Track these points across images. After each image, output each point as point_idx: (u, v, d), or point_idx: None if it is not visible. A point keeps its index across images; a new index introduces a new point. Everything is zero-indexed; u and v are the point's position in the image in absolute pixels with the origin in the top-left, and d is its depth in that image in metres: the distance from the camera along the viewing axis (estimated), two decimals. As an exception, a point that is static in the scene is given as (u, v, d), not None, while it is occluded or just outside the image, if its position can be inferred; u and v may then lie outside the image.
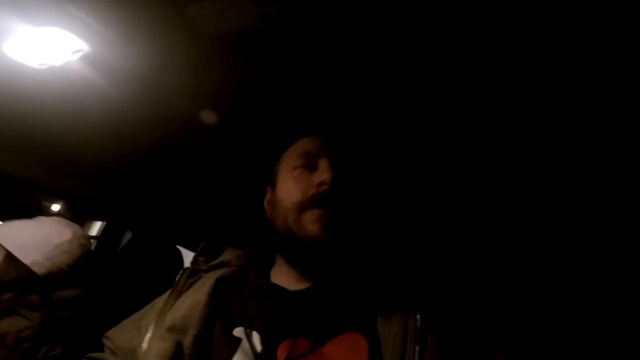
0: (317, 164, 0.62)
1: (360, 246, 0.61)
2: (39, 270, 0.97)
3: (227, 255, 0.71)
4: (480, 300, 0.52)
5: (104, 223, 1.96)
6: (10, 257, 0.95)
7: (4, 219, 1.91)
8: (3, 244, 0.95)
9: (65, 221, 1.10)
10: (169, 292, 0.65)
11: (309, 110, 0.81)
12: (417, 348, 0.46)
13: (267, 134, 0.94)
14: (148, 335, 0.58)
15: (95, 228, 2.00)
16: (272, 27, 0.63)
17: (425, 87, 0.72)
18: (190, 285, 0.65)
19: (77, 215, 1.87)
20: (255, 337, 0.53)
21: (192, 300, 0.60)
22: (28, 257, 0.97)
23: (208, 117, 0.94)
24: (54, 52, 0.70)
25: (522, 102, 0.73)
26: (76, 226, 1.11)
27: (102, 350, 0.68)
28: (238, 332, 0.55)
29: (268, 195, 0.71)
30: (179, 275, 0.67)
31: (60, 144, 1.14)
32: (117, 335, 0.67)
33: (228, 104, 0.89)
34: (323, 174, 0.58)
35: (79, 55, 0.71)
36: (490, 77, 0.68)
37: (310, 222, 0.56)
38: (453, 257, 0.62)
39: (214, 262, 0.69)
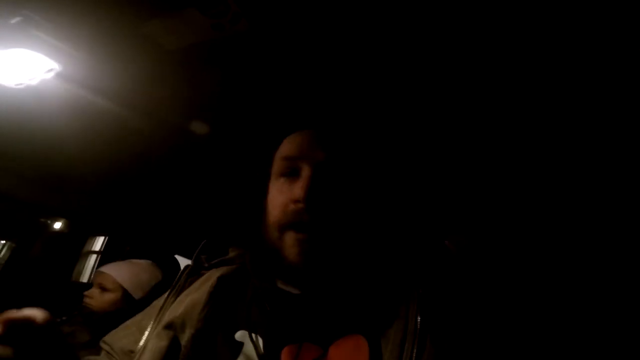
0: (300, 169, 0.57)
1: (351, 254, 0.56)
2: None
3: (230, 253, 0.70)
4: (483, 303, 0.51)
5: (106, 238, 2.01)
6: (126, 293, 1.25)
7: (5, 238, 1.98)
8: (122, 284, 1.27)
9: (153, 264, 1.40)
10: (169, 290, 0.64)
11: (288, 107, 0.82)
12: (415, 351, 0.45)
13: (251, 135, 0.95)
14: (146, 333, 0.58)
15: (98, 243, 2.05)
16: (230, 37, 0.65)
17: (418, 80, 0.72)
18: (191, 283, 0.63)
19: (79, 231, 1.91)
20: (259, 341, 0.52)
21: (192, 298, 0.59)
22: (138, 294, 1.26)
23: (187, 126, 0.96)
24: (28, 72, 0.73)
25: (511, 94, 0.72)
26: (159, 269, 1.39)
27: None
28: (240, 335, 0.54)
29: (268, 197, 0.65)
30: (180, 273, 0.66)
31: (52, 160, 1.19)
32: (115, 339, 0.66)
33: (206, 112, 0.91)
34: (298, 189, 0.54)
35: (52, 74, 0.75)
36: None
37: (290, 246, 0.53)
38: (455, 252, 0.59)
39: (215, 260, 0.68)
